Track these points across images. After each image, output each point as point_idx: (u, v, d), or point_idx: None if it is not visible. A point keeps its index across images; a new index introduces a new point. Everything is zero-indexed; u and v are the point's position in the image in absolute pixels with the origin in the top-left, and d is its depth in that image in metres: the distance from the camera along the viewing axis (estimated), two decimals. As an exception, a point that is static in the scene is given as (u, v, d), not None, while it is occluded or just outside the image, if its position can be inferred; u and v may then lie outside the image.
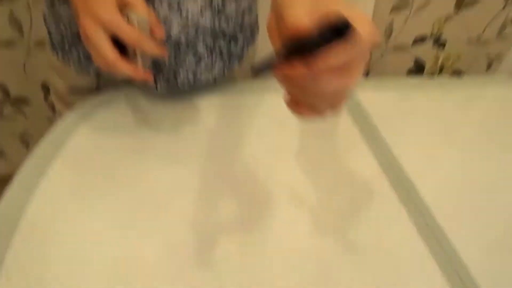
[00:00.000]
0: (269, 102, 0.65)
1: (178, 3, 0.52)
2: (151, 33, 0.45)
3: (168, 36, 0.54)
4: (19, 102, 1.22)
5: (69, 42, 0.58)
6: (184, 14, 0.53)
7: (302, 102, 0.32)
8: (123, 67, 0.44)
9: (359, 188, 0.55)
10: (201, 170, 0.54)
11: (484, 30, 1.24)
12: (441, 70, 1.30)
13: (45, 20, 0.61)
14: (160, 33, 0.45)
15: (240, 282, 0.44)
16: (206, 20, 0.55)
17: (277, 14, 0.31)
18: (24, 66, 1.13)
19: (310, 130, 0.62)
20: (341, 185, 0.55)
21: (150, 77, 0.47)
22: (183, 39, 0.55)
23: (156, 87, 0.59)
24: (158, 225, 0.48)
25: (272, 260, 0.46)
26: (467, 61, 1.31)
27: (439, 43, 1.26)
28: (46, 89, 1.19)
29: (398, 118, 0.67)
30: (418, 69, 1.30)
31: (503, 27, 1.25)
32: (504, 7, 1.20)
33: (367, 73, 1.28)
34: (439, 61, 1.27)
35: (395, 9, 1.17)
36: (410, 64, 1.30)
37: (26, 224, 0.46)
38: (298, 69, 0.28)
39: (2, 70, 1.14)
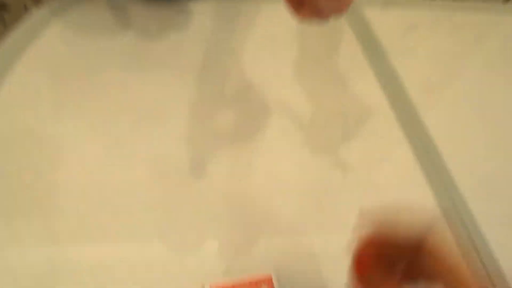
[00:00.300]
0: (268, 11, 0.58)
1: None
2: None
3: None
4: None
5: None
6: None
7: (306, 4, 0.30)
8: None
9: (360, 110, 0.51)
10: (189, 81, 0.49)
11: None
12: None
13: None
14: None
15: (232, 194, 0.42)
16: None
17: None
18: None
19: (310, 46, 0.56)
20: (340, 107, 0.51)
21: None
22: None
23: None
24: (143, 137, 0.44)
25: (263, 174, 0.44)
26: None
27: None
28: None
29: (406, 41, 0.62)
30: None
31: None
32: None
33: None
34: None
35: None
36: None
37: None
38: None
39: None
